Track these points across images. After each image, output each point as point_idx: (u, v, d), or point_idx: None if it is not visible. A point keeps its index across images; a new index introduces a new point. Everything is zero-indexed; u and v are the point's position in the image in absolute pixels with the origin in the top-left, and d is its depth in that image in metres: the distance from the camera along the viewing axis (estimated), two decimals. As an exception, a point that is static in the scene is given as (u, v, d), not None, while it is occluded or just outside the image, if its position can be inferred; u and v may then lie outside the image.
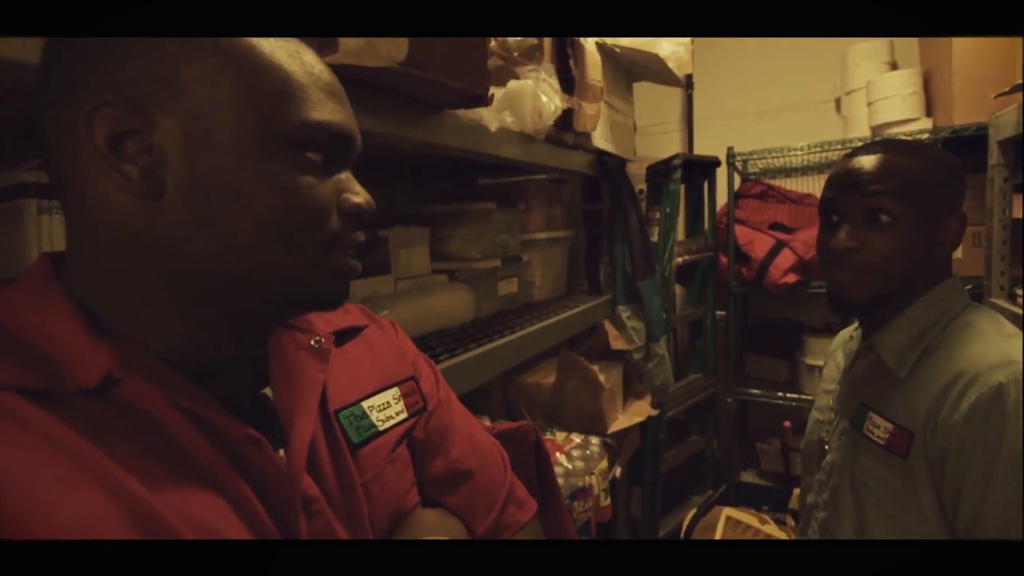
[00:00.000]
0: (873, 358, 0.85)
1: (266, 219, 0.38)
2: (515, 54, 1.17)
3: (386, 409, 0.51)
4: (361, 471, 0.47)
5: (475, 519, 0.54)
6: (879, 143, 0.82)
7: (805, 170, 2.33)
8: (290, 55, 0.39)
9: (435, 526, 0.50)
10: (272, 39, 0.39)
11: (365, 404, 0.50)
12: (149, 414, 0.36)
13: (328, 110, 0.40)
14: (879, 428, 0.79)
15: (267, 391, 0.44)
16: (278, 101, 0.38)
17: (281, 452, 0.41)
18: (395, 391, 0.53)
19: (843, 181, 0.81)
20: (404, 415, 0.52)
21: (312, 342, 0.46)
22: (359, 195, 0.42)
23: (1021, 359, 0.70)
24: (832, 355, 1.01)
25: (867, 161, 0.79)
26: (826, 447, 0.91)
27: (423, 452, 0.54)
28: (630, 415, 1.61)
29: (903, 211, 0.77)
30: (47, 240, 0.62)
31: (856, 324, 0.95)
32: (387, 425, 0.50)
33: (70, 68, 0.36)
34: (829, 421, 0.93)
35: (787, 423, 1.91)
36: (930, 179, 0.78)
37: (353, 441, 0.47)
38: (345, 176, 0.42)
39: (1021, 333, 0.76)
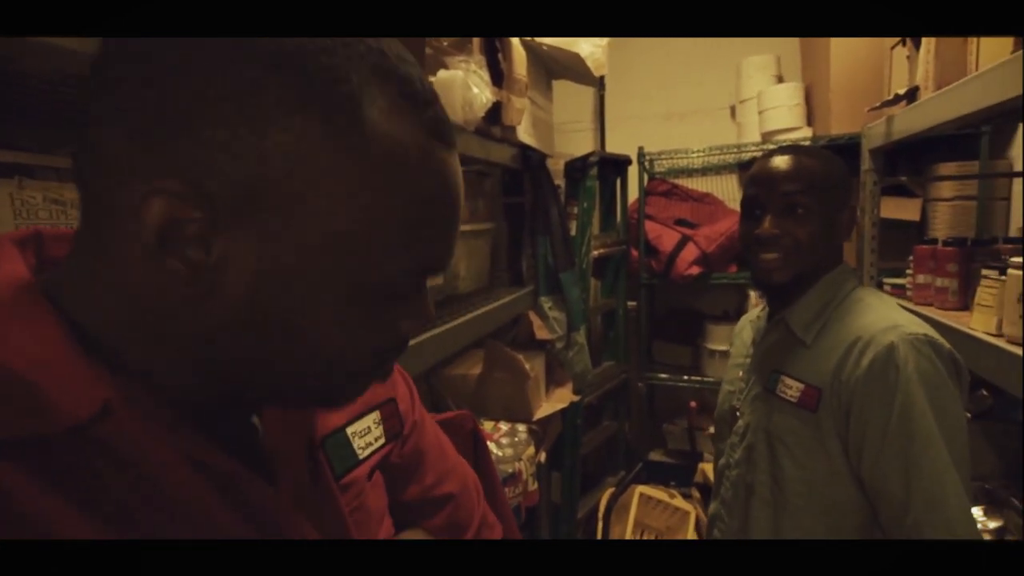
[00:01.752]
0: (782, 331, 0.98)
1: (325, 357, 0.33)
2: (444, 44, 1.17)
3: (367, 435, 0.49)
4: (346, 501, 0.45)
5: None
6: (788, 148, 0.97)
7: (704, 171, 2.51)
8: (428, 169, 0.32)
9: None
10: (406, 110, 0.31)
11: (348, 431, 0.48)
12: (135, 455, 0.31)
13: (446, 244, 0.34)
14: (791, 388, 0.92)
15: (255, 420, 0.40)
16: (395, 247, 0.32)
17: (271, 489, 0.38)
18: (376, 415, 0.51)
19: (763, 180, 0.95)
20: (382, 440, 0.51)
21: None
22: (425, 317, 0.36)
23: (905, 323, 0.86)
24: (738, 334, 1.13)
25: (782, 162, 0.94)
26: (737, 413, 1.03)
27: (397, 477, 0.53)
28: (553, 402, 1.66)
29: (812, 204, 0.92)
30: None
31: (760, 308, 1.07)
32: (366, 453, 0.49)
33: (147, 111, 0.29)
34: (740, 391, 1.04)
35: (693, 403, 2.06)
36: (829, 178, 0.94)
37: (336, 472, 0.45)
38: (417, 296, 0.36)
39: (899, 306, 0.94)
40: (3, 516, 0.27)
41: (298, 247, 0.30)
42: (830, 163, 0.95)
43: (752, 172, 0.98)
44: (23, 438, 0.28)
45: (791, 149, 0.96)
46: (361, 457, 0.48)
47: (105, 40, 0.31)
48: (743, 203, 0.99)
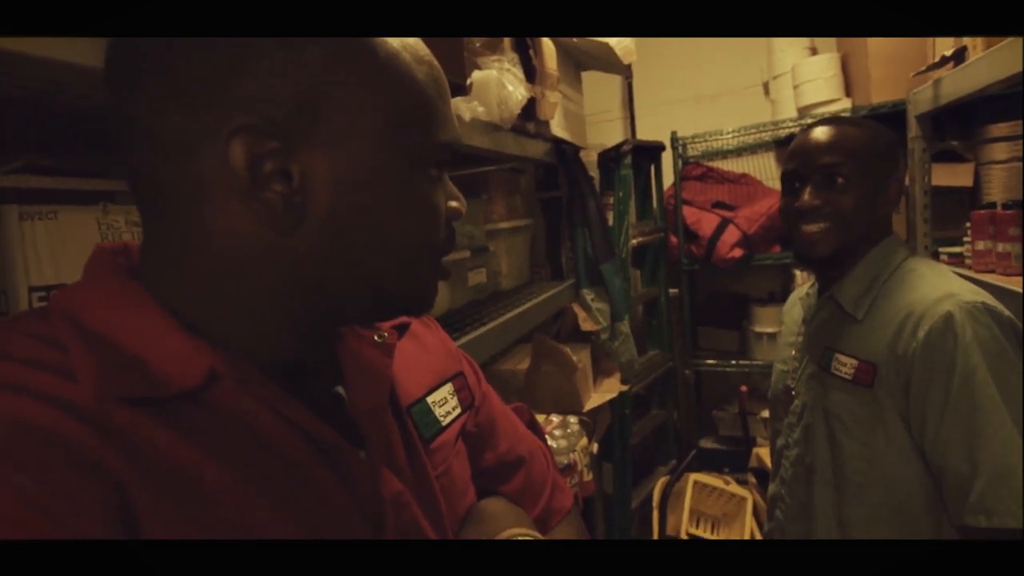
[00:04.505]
0: (832, 308, 0.96)
1: (403, 244, 0.38)
2: (477, 44, 1.18)
3: (444, 404, 0.52)
4: (433, 466, 0.47)
5: (527, 505, 0.56)
6: (827, 120, 0.96)
7: (740, 151, 2.46)
8: (419, 61, 0.38)
9: (507, 514, 0.52)
10: (397, 40, 0.37)
11: (429, 400, 0.50)
12: (242, 417, 0.35)
13: (451, 125, 0.40)
14: (845, 365, 0.91)
15: (339, 389, 0.43)
16: (416, 123, 0.37)
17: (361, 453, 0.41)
18: (449, 386, 0.53)
19: (802, 152, 0.94)
20: (459, 410, 0.53)
21: (376, 337, 0.46)
22: (459, 199, 0.42)
23: (960, 291, 0.84)
24: (788, 312, 1.12)
25: (820, 133, 0.93)
26: (793, 393, 1.01)
27: (474, 446, 0.55)
28: (602, 392, 1.67)
29: (854, 173, 0.90)
30: (31, 247, 0.59)
31: (809, 284, 1.06)
32: (447, 420, 0.51)
33: (194, 74, 0.32)
34: (793, 370, 1.03)
35: (744, 387, 2.03)
36: (872, 147, 0.92)
37: (424, 436, 0.48)
38: (446, 179, 0.42)
39: (954, 274, 0.91)
40: (153, 459, 0.31)
41: (359, 144, 0.35)
42: (873, 131, 0.93)
43: (791, 146, 0.97)
44: (149, 397, 0.32)
45: (830, 120, 0.95)
46: (444, 423, 0.51)
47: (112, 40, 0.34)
48: (783, 178, 0.98)
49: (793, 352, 1.04)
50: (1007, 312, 0.82)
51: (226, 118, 0.32)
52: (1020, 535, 0.75)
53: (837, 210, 0.91)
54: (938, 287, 0.86)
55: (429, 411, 0.50)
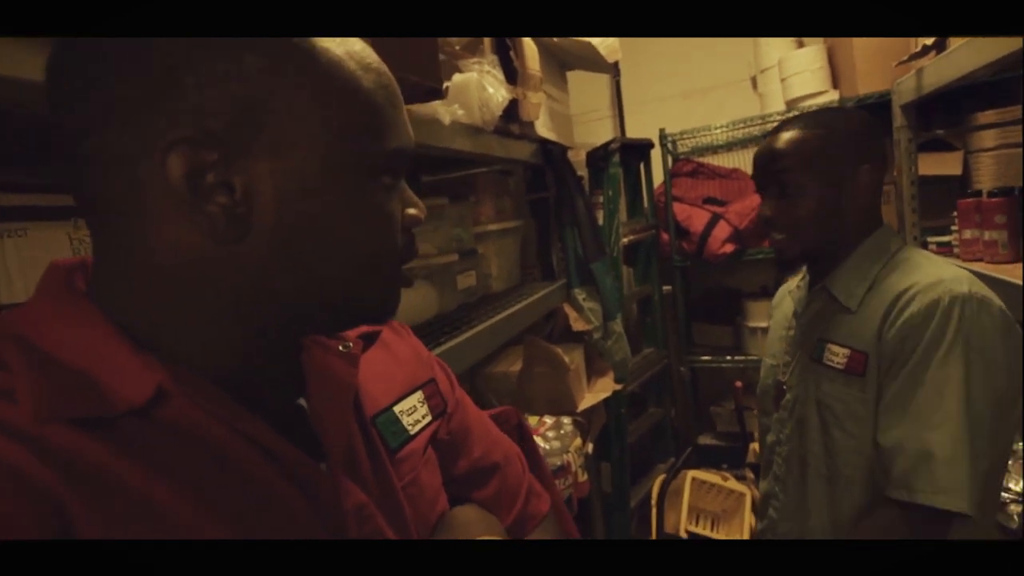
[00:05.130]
0: (825, 299, 0.96)
1: (355, 252, 0.37)
2: (456, 47, 1.18)
3: (413, 413, 0.51)
4: (399, 476, 0.47)
5: (502, 511, 0.56)
6: (787, 121, 0.95)
7: (730, 146, 2.46)
8: (365, 68, 0.37)
9: (477, 522, 0.52)
10: (339, 42, 0.36)
11: (396, 409, 0.50)
12: (195, 434, 0.34)
13: (403, 131, 0.39)
14: (838, 355, 0.90)
15: (302, 401, 0.43)
16: (364, 131, 0.37)
17: (323, 465, 0.40)
18: (419, 394, 0.53)
19: (758, 162, 0.95)
20: (429, 418, 0.53)
21: (340, 347, 0.45)
22: (417, 206, 0.42)
23: (952, 279, 0.82)
24: (778, 306, 1.11)
25: (775, 141, 0.93)
26: (784, 387, 1.00)
27: (447, 453, 0.54)
28: (596, 392, 1.66)
29: (804, 181, 0.90)
30: (15, 264, 0.58)
31: (799, 278, 1.05)
32: (416, 429, 0.51)
33: (130, 88, 0.32)
34: (785, 364, 1.02)
35: (739, 383, 2.03)
36: (825, 144, 0.90)
37: (391, 446, 0.47)
38: (403, 186, 0.42)
39: (950, 264, 0.89)
40: (96, 479, 0.30)
41: (304, 154, 0.35)
42: (828, 126, 0.90)
43: (755, 153, 0.97)
44: (97, 417, 0.32)
45: (790, 121, 0.94)
46: (412, 433, 0.50)
47: (54, 44, 0.34)
48: (754, 184, 0.99)
49: (783, 346, 1.04)
50: (998, 302, 0.81)
51: (162, 131, 0.32)
52: (941, 515, 0.75)
53: (791, 220, 0.90)
54: (930, 274, 0.85)
55: (396, 420, 0.49)
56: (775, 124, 2.17)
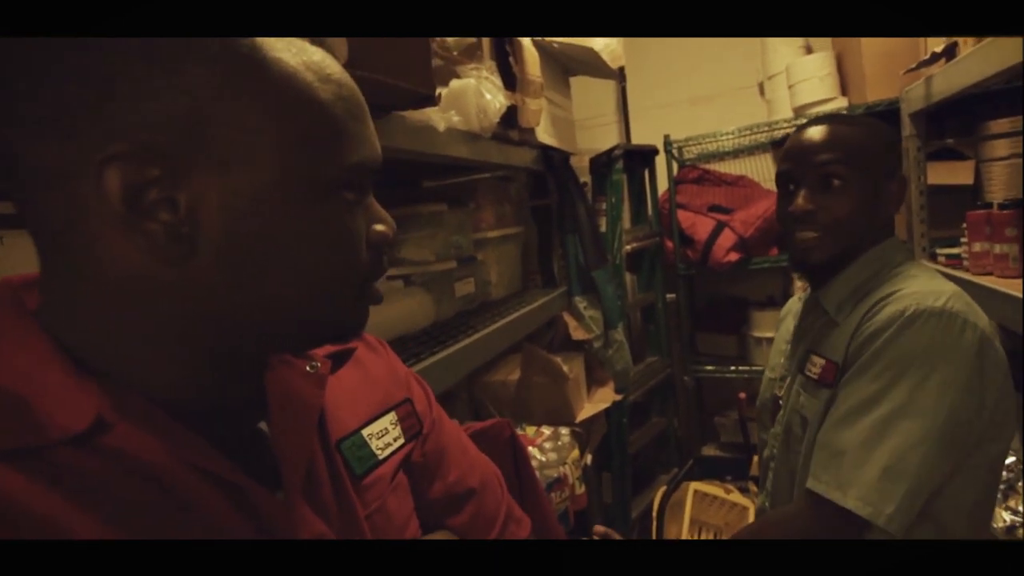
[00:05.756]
0: (819, 310, 0.92)
1: (309, 270, 0.35)
2: (454, 53, 1.17)
3: (384, 436, 0.49)
4: (364, 503, 0.45)
5: (477, 538, 0.53)
6: (823, 118, 0.91)
7: (736, 153, 2.43)
8: (323, 80, 0.35)
9: None
10: (296, 52, 0.35)
11: (364, 432, 0.48)
12: (142, 462, 0.32)
13: (366, 145, 0.37)
14: (815, 366, 0.87)
15: (263, 425, 0.41)
16: (320, 145, 0.35)
17: (280, 494, 0.38)
18: (392, 416, 0.51)
19: (796, 153, 0.89)
20: (402, 440, 0.51)
21: (308, 367, 0.43)
22: (385, 222, 0.40)
23: (929, 292, 0.78)
24: (783, 320, 1.08)
25: (815, 133, 0.88)
26: (780, 402, 0.98)
27: (421, 476, 0.52)
28: (595, 402, 1.64)
29: (850, 175, 0.85)
30: None
31: (804, 290, 1.02)
32: (387, 453, 0.49)
33: (65, 100, 0.30)
34: (781, 378, 0.99)
35: (742, 394, 1.99)
36: (869, 146, 0.86)
37: (356, 473, 0.45)
38: (370, 202, 0.40)
39: (948, 281, 0.84)
40: (6, 516, 0.28)
41: (254, 169, 0.33)
42: (871, 129, 0.88)
43: (785, 146, 0.92)
44: (25, 448, 0.30)
45: (826, 118, 0.90)
46: (381, 457, 0.48)
47: None
48: (777, 179, 0.93)
49: (782, 360, 1.01)
50: (981, 322, 0.76)
51: (99, 145, 0.30)
52: (844, 514, 0.74)
53: (832, 216, 0.85)
54: (913, 286, 0.81)
55: (364, 444, 0.47)
56: (783, 130, 2.18)
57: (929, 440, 0.72)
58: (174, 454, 0.33)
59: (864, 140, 0.86)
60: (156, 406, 0.34)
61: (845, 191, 0.85)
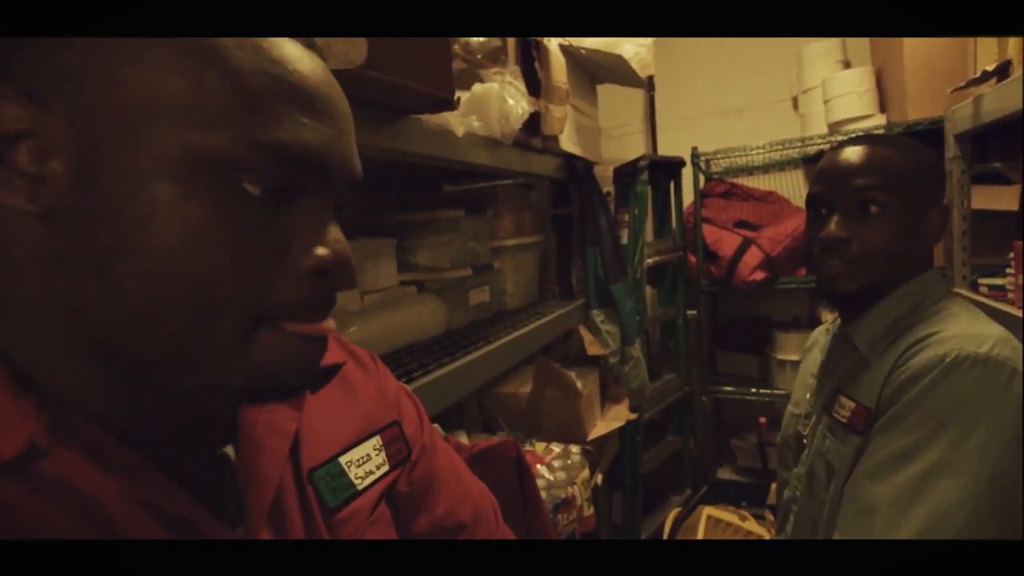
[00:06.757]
0: (850, 346, 0.85)
1: (167, 272, 0.28)
2: (478, 56, 1.14)
3: (366, 463, 0.45)
4: (340, 537, 0.41)
5: None
6: (861, 138, 0.84)
7: (766, 168, 2.36)
8: (244, 48, 0.30)
9: None
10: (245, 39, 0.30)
11: (343, 460, 0.44)
12: (78, 492, 0.29)
13: (289, 124, 0.30)
14: (844, 408, 0.80)
15: (229, 449, 0.37)
16: (213, 114, 0.29)
17: (240, 529, 0.35)
18: (376, 440, 0.47)
19: (831, 174, 0.82)
20: (386, 468, 0.46)
21: (271, 400, 0.39)
22: (330, 246, 0.32)
23: (974, 335, 0.71)
24: (809, 351, 1.02)
25: (853, 154, 0.81)
26: (804, 441, 0.91)
27: (406, 508, 0.48)
28: (609, 420, 1.59)
29: (889, 201, 0.78)
30: None
31: (832, 320, 0.96)
32: (367, 482, 0.44)
33: None
34: (807, 415, 0.93)
35: (763, 419, 1.92)
36: (912, 171, 0.79)
37: (328, 505, 0.41)
38: (308, 217, 0.32)
39: (992, 321, 0.76)
40: None
41: (117, 130, 0.28)
42: (914, 152, 0.80)
43: (819, 165, 0.85)
44: None
45: (865, 138, 0.83)
46: (360, 488, 0.44)
47: None
48: (808, 201, 0.86)
49: (808, 395, 0.94)
50: None
51: None
52: None
53: (866, 245, 0.78)
54: (955, 327, 0.73)
55: (341, 473, 0.43)
56: (817, 146, 2.11)
57: (971, 502, 0.65)
58: (116, 485, 0.30)
59: (906, 164, 0.79)
60: (97, 428, 0.30)
61: (882, 219, 0.78)
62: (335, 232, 0.33)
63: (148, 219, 0.28)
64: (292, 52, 0.32)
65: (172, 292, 0.29)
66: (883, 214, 0.78)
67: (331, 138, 0.32)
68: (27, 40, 0.28)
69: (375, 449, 0.46)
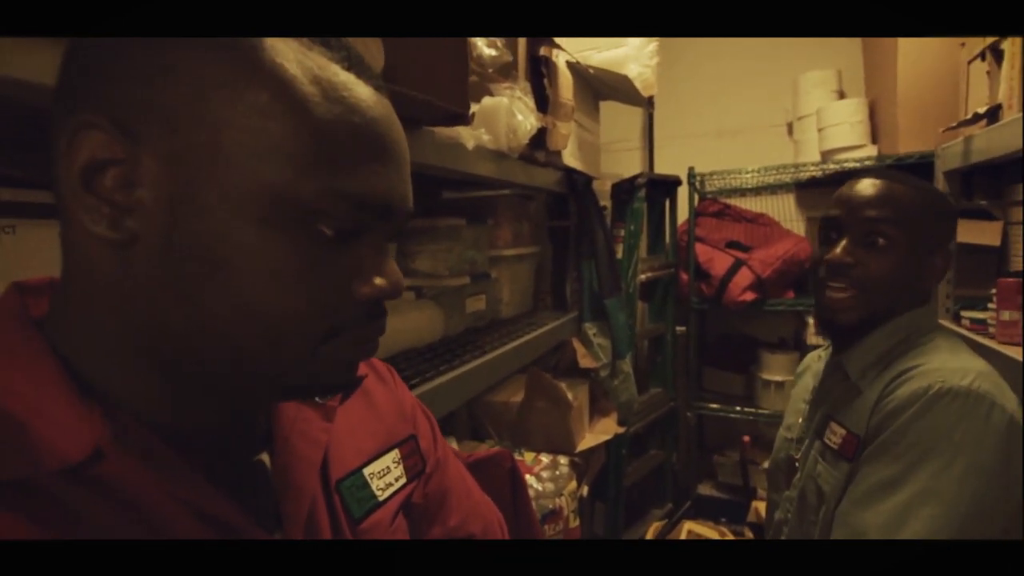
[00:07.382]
0: (841, 373, 0.88)
1: (249, 303, 0.31)
2: (490, 70, 1.15)
3: (386, 475, 0.46)
4: None
5: None
6: (884, 172, 0.87)
7: (759, 190, 2.41)
8: (328, 97, 0.31)
9: None
10: (303, 59, 0.31)
11: (366, 471, 0.45)
12: (132, 496, 0.30)
13: (366, 175, 0.32)
14: (835, 435, 0.83)
15: (264, 456, 0.39)
16: (297, 163, 0.30)
17: (277, 534, 0.36)
18: (395, 454, 0.48)
19: (847, 201, 0.86)
20: (403, 480, 0.48)
21: (316, 397, 0.40)
22: (386, 276, 0.34)
23: (957, 369, 0.74)
24: (801, 376, 1.04)
25: (871, 186, 0.84)
26: (796, 464, 0.94)
27: (420, 519, 0.50)
28: (597, 433, 1.60)
29: (898, 236, 0.82)
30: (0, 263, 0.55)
31: (825, 347, 0.99)
32: (387, 494, 0.46)
33: (66, 71, 0.31)
34: (799, 439, 0.95)
35: (746, 438, 1.96)
36: (924, 213, 0.83)
37: (355, 516, 0.43)
38: (370, 250, 0.34)
39: (975, 355, 0.80)
40: None
41: (207, 168, 0.30)
42: (929, 196, 0.84)
43: (840, 190, 0.89)
44: (12, 479, 0.28)
45: (887, 174, 0.86)
46: (381, 499, 0.45)
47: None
48: (823, 222, 0.91)
49: (800, 420, 0.97)
50: (1009, 406, 0.72)
51: (79, 113, 0.30)
52: None
53: (868, 274, 0.82)
54: (939, 360, 0.77)
55: (365, 484, 0.45)
56: (809, 172, 2.15)
57: (951, 529, 0.68)
58: (166, 489, 0.31)
59: (919, 205, 0.82)
60: (154, 435, 0.32)
61: (888, 252, 0.82)
62: (392, 264, 0.36)
63: (234, 257, 0.30)
64: (366, 97, 0.33)
65: (252, 320, 0.31)
66: (889, 248, 0.82)
67: (396, 182, 0.34)
68: (118, 69, 0.29)
69: (394, 462, 0.48)
